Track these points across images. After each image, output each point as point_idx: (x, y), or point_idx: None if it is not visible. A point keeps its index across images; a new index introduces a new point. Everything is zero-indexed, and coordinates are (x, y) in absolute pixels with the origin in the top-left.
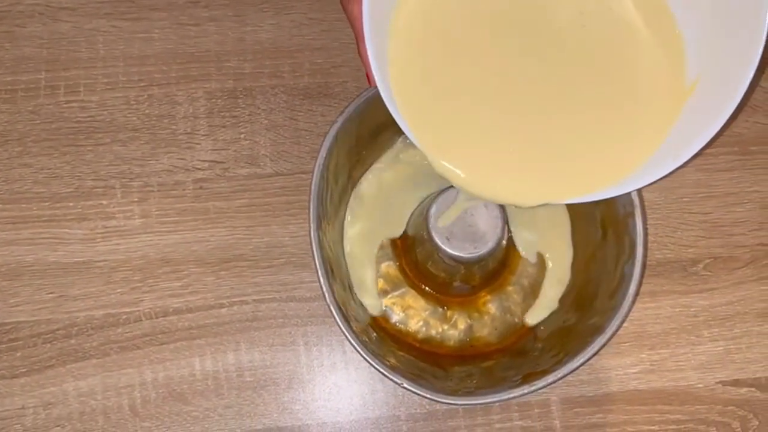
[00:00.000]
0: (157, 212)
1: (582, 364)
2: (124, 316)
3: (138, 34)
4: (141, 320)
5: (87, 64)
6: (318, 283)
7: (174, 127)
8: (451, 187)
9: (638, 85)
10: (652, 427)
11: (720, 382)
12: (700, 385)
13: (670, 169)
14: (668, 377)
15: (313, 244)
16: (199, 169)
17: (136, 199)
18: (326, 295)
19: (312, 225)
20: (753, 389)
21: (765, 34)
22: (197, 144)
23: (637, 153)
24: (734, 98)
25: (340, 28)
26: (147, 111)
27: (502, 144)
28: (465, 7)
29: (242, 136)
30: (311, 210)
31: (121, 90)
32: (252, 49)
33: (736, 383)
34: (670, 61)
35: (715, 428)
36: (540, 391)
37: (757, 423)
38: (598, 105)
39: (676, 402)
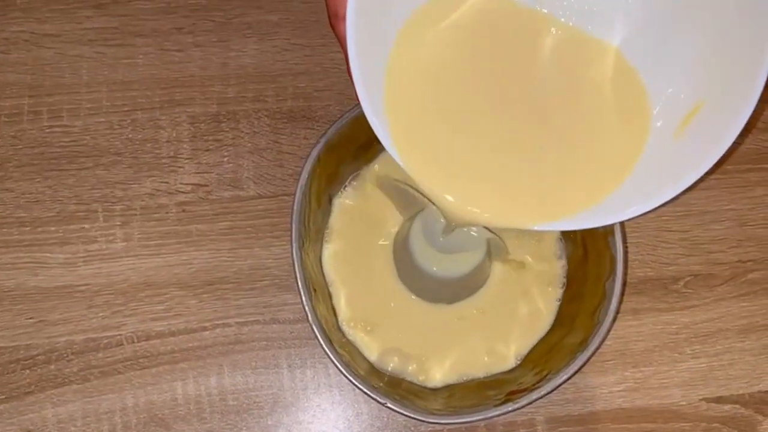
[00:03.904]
0: (139, 236)
1: (565, 381)
2: (105, 341)
3: (122, 60)
4: (122, 344)
5: (70, 89)
6: (301, 304)
7: (157, 150)
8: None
9: (599, 131)
10: None
11: (704, 399)
12: (684, 403)
13: (668, 198)
14: (652, 395)
15: (295, 264)
16: (182, 192)
17: (118, 223)
18: (309, 315)
19: (294, 245)
20: (737, 406)
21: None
22: (180, 167)
23: (603, 184)
24: (721, 146)
25: (322, 52)
26: (130, 135)
27: (482, 170)
28: (459, 49)
29: (225, 159)
30: (293, 230)
31: (105, 115)
32: (235, 73)
33: (720, 400)
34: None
35: None
36: (525, 410)
37: None
38: (568, 142)
39: (661, 420)
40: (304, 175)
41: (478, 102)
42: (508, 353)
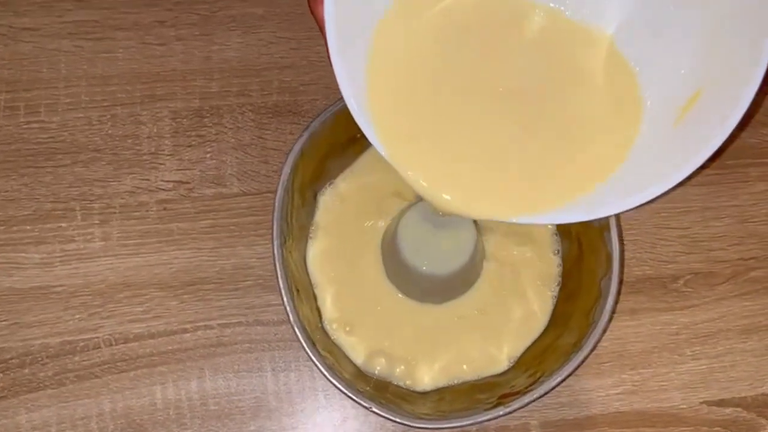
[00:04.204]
0: (118, 234)
1: (559, 383)
2: (81, 344)
3: (101, 54)
4: (100, 347)
5: (48, 84)
6: (285, 312)
7: (138, 147)
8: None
9: (589, 119)
10: None
11: (704, 402)
12: (684, 406)
13: (667, 186)
14: (651, 398)
15: (277, 263)
16: (163, 189)
17: (96, 222)
18: (290, 316)
19: (275, 242)
20: (739, 409)
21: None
22: (161, 164)
23: (593, 174)
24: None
25: (308, 46)
26: (110, 131)
27: (466, 159)
28: (444, 38)
29: (208, 155)
30: (274, 227)
31: (83, 110)
32: (219, 67)
33: (721, 403)
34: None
35: None
36: (518, 414)
37: None
38: (557, 131)
39: (660, 424)
40: (286, 169)
41: (464, 91)
42: (501, 355)
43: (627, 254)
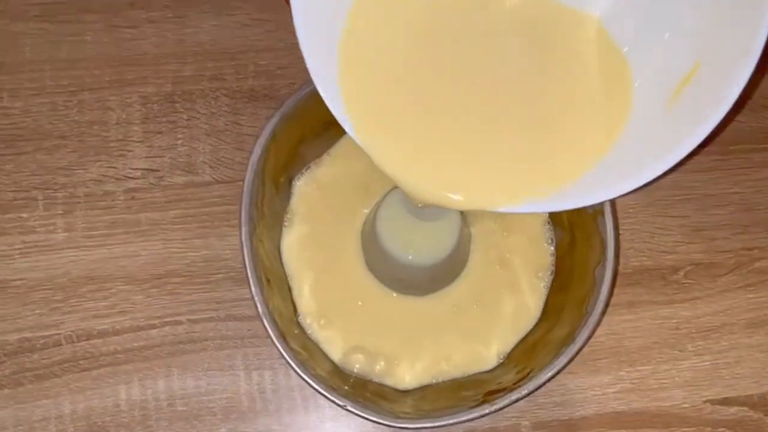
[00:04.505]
0: (83, 225)
1: (549, 379)
2: (41, 341)
3: (68, 37)
4: (61, 344)
5: (12, 68)
6: (253, 302)
7: (105, 134)
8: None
9: (576, 103)
10: None
11: (708, 401)
12: (686, 405)
13: (652, 176)
14: (651, 397)
15: (244, 249)
16: (131, 178)
17: (60, 212)
18: (258, 307)
19: (243, 228)
20: (745, 408)
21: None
22: (130, 151)
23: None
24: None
25: (286, 27)
26: (76, 117)
27: (444, 145)
28: (421, 21)
29: (179, 142)
30: (242, 211)
31: (48, 95)
32: (192, 51)
33: (726, 402)
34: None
35: None
36: (508, 415)
37: None
38: (541, 115)
39: (661, 424)
40: (257, 150)
41: (442, 74)
42: (490, 351)
43: (624, 244)
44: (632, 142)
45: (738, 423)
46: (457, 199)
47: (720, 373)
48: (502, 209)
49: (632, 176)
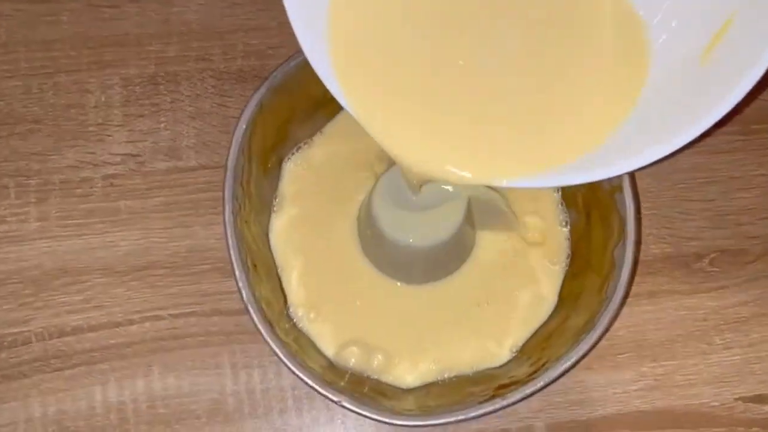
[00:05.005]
0: (57, 214)
1: (568, 369)
2: (9, 338)
3: (44, 17)
4: (30, 342)
5: None
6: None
7: (83, 117)
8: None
9: (589, 67)
10: None
11: (740, 399)
12: (716, 403)
13: (686, 140)
14: (677, 394)
15: (227, 228)
16: (110, 164)
17: (33, 200)
18: (242, 293)
19: (226, 207)
20: None
21: None
22: (109, 136)
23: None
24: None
25: (278, 6)
26: (52, 101)
27: (446, 115)
28: None
29: (162, 125)
30: (225, 188)
31: (22, 78)
32: (178, 30)
33: (760, 399)
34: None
35: None
36: (521, 415)
37: None
38: (551, 82)
39: (689, 425)
40: (242, 124)
41: (447, 36)
42: (502, 347)
43: (643, 230)
44: (654, 109)
45: None
46: (465, 174)
47: (752, 368)
48: (513, 184)
49: (660, 142)
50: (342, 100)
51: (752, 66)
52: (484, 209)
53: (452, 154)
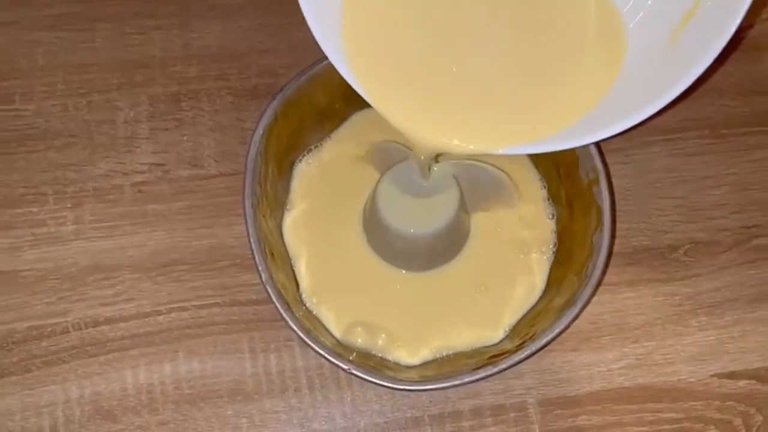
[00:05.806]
0: (91, 217)
1: (552, 339)
2: (49, 328)
3: (80, 44)
4: (68, 332)
5: (25, 74)
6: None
7: (113, 131)
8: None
9: (572, 48)
10: (643, 429)
11: (715, 375)
12: (693, 380)
13: (665, 102)
14: (656, 372)
15: (248, 219)
16: (138, 172)
17: (69, 205)
18: (261, 275)
19: (246, 202)
20: (752, 381)
21: None
22: (137, 147)
23: (585, 96)
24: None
25: (288, 31)
26: (86, 117)
27: (445, 89)
28: None
29: (185, 137)
30: (246, 184)
31: (59, 98)
32: (198, 54)
33: (733, 376)
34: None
35: (714, 426)
36: (515, 392)
37: (761, 419)
38: (538, 60)
39: (668, 399)
40: (259, 130)
41: (442, 16)
42: (497, 329)
43: (622, 225)
44: (633, 81)
45: (747, 396)
46: (459, 143)
47: (725, 348)
48: (507, 151)
49: (643, 106)
50: (366, 96)
51: (708, 49)
52: (489, 188)
53: (459, 127)
